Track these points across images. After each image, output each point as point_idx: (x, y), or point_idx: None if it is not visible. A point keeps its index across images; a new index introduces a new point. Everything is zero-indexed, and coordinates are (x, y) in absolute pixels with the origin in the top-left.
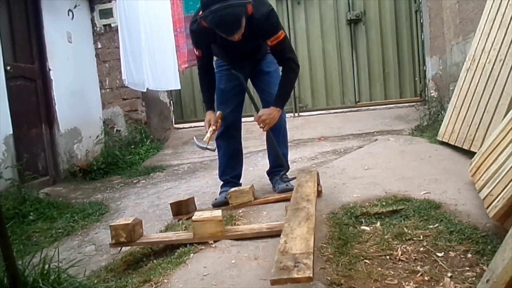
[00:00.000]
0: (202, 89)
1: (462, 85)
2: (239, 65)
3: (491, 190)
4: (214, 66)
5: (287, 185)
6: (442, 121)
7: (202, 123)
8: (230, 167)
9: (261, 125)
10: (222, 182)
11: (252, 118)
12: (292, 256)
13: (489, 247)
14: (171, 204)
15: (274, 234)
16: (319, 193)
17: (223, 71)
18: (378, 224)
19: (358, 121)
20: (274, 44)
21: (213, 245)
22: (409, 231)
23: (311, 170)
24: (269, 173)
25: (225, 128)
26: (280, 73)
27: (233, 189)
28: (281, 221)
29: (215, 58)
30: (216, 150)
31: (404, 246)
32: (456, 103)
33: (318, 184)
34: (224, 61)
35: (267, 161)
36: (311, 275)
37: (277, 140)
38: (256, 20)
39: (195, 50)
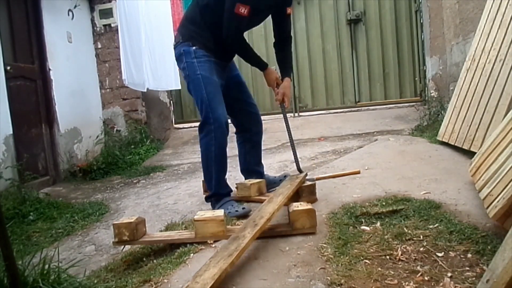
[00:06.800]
0: (249, 52)
1: (462, 85)
2: (223, 64)
3: (491, 190)
4: (196, 54)
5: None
6: (442, 121)
7: None
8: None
9: (285, 100)
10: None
11: None
12: None
13: (489, 247)
14: (203, 181)
15: (275, 234)
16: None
17: (212, 63)
18: (378, 224)
19: (358, 121)
20: (289, 13)
21: (213, 245)
22: (409, 231)
23: (298, 177)
24: None
25: (225, 127)
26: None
27: (241, 181)
28: (282, 222)
29: (194, 47)
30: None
31: (404, 246)
32: (456, 103)
33: (313, 195)
34: (210, 52)
35: (265, 161)
36: None
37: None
38: None
39: (241, 8)
